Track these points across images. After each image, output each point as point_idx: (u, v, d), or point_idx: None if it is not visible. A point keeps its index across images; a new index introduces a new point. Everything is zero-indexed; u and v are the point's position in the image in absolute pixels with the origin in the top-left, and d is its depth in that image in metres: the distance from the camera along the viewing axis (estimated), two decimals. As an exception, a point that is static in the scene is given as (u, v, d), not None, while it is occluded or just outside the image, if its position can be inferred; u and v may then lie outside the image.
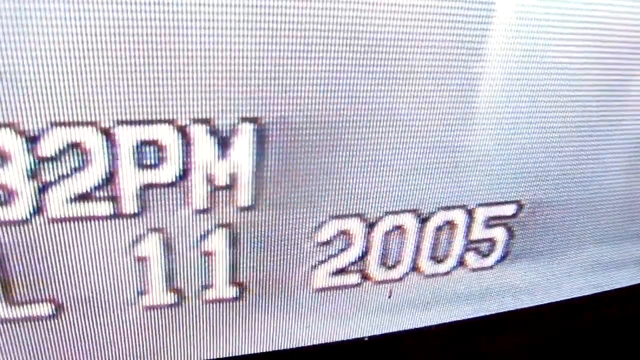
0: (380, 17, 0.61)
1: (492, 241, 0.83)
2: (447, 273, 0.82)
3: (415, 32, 0.64)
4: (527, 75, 0.71)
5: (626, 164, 0.84)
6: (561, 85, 0.73)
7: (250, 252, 0.69)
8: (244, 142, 0.62)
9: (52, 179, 0.59)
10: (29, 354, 0.67)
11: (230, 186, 0.64)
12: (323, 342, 0.78)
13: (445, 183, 0.75)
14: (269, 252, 0.70)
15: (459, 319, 0.88)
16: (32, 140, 0.57)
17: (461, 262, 0.82)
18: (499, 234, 0.83)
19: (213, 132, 0.61)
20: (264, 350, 0.76)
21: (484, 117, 0.72)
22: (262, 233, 0.68)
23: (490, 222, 0.80)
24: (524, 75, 0.71)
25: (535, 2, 0.66)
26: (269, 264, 0.71)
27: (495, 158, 0.76)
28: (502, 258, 0.85)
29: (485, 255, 0.84)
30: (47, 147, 0.57)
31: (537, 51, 0.70)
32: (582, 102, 0.75)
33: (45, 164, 0.58)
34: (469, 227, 0.80)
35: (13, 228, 0.60)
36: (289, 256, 0.71)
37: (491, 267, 0.85)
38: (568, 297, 0.97)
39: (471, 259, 0.83)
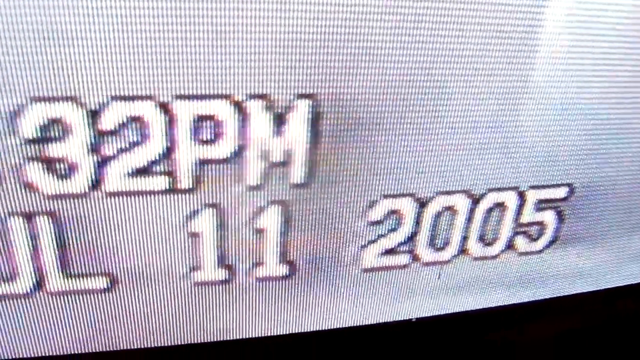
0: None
1: (541, 225, 0.82)
2: (495, 256, 0.81)
3: (471, 9, 0.63)
4: (584, 54, 0.69)
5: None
6: (620, 64, 0.71)
7: (301, 231, 0.69)
8: (299, 119, 0.62)
9: (111, 153, 0.59)
10: (85, 326, 0.68)
11: (284, 163, 0.64)
12: (370, 323, 0.78)
13: (498, 164, 0.74)
14: (319, 231, 0.70)
15: (503, 304, 0.87)
16: (92, 114, 0.57)
17: (510, 246, 0.81)
18: (549, 217, 0.81)
19: (269, 108, 0.60)
20: (311, 330, 0.76)
21: (538, 96, 0.71)
22: (314, 211, 0.68)
23: (540, 205, 0.79)
24: (581, 53, 0.69)
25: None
26: (319, 242, 0.70)
27: (548, 139, 0.74)
28: (551, 242, 0.84)
29: (534, 239, 0.82)
30: (107, 121, 0.58)
31: (594, 29, 0.68)
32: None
33: (105, 138, 0.58)
34: (519, 210, 0.78)
35: (72, 201, 0.61)
36: (339, 235, 0.71)
37: (539, 252, 0.84)
38: (613, 286, 0.95)
39: (520, 242, 0.81)
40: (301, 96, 0.61)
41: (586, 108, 0.74)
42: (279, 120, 0.61)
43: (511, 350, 0.92)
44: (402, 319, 0.79)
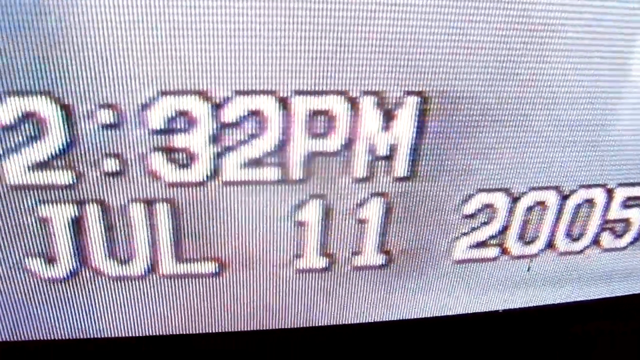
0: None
1: (627, 222, 0.83)
2: (580, 252, 0.83)
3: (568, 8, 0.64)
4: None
5: None
6: None
7: (400, 222, 0.71)
8: (406, 115, 0.64)
9: (230, 144, 0.63)
10: (194, 308, 0.72)
11: (389, 157, 0.66)
12: (458, 313, 0.80)
13: (588, 161, 0.75)
14: (417, 222, 0.72)
15: (585, 299, 0.89)
16: (217, 107, 0.61)
17: (595, 242, 0.82)
18: (636, 215, 0.82)
19: (380, 104, 0.63)
20: (404, 318, 0.79)
21: (632, 93, 0.72)
22: (413, 203, 0.71)
23: (628, 203, 0.80)
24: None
25: None
26: (415, 234, 0.73)
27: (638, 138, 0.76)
28: (635, 240, 0.85)
29: (619, 236, 0.84)
30: (230, 114, 0.61)
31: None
32: None
33: (226, 130, 0.62)
34: (606, 207, 0.80)
35: (189, 189, 0.65)
36: (435, 227, 0.73)
37: (623, 249, 0.85)
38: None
39: (605, 239, 0.83)
40: (410, 93, 0.63)
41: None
42: (388, 116, 0.64)
43: (594, 343, 0.93)
44: (489, 309, 0.82)
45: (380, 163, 0.67)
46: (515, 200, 0.74)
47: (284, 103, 0.61)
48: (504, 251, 0.78)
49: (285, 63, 0.59)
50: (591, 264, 0.84)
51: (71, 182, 0.63)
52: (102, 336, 0.73)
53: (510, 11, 0.62)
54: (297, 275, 0.73)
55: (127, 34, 0.56)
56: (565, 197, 0.77)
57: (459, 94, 0.65)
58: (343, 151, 0.65)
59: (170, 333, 0.73)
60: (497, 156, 0.70)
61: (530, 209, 0.76)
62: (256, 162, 0.64)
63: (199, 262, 0.70)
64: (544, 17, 0.63)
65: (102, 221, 0.66)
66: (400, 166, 0.67)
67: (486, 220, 0.75)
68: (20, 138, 0.59)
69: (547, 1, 0.62)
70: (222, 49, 0.58)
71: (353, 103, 0.62)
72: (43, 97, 0.58)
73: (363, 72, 0.61)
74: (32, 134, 0.59)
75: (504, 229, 0.76)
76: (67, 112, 0.59)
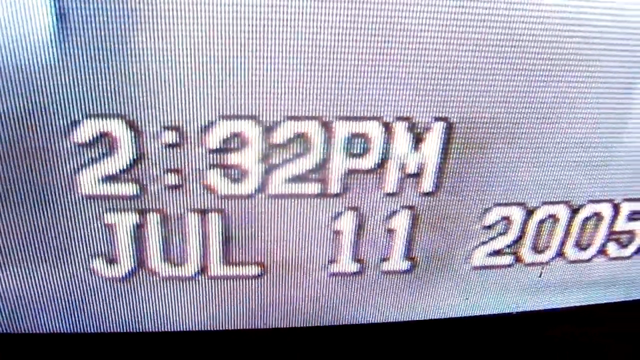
0: (548, 22, 0.70)
1: (632, 233, 0.91)
2: (588, 260, 0.91)
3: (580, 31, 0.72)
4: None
5: None
6: None
7: (425, 232, 0.80)
8: (434, 138, 0.73)
9: (278, 162, 0.71)
10: (238, 305, 0.81)
11: (417, 174, 0.75)
12: (477, 315, 0.89)
13: (596, 178, 0.83)
14: (440, 232, 0.80)
15: (591, 303, 0.96)
16: (267, 130, 0.69)
17: (602, 251, 0.90)
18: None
19: (410, 128, 0.71)
20: (427, 318, 0.87)
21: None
22: (438, 216, 0.79)
23: (633, 216, 0.88)
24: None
25: None
26: (438, 242, 0.81)
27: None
28: (639, 250, 0.93)
29: (624, 246, 0.91)
30: (279, 136, 0.69)
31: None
32: None
33: (274, 150, 0.70)
34: (613, 220, 0.87)
35: (239, 201, 0.73)
36: (457, 237, 0.81)
37: (628, 258, 0.93)
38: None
39: (611, 248, 0.91)
40: (438, 119, 0.72)
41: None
42: (418, 139, 0.72)
43: (597, 346, 1.01)
44: (503, 312, 0.90)
45: (409, 180, 0.75)
46: (529, 213, 0.82)
47: (326, 127, 0.69)
48: (518, 259, 0.86)
49: (329, 92, 0.68)
50: (597, 272, 0.92)
51: (135, 193, 0.71)
52: (154, 330, 0.82)
53: (523, 43, 0.70)
54: (331, 278, 0.81)
55: (190, 67, 0.64)
56: (575, 211, 0.85)
57: (479, 119, 0.73)
58: (377, 169, 0.73)
59: (216, 329, 0.82)
60: (513, 174, 0.78)
61: (542, 221, 0.84)
62: (299, 178, 0.72)
63: (244, 266, 0.78)
64: (554, 48, 0.71)
65: (160, 228, 0.74)
66: (427, 182, 0.76)
67: (503, 230, 0.83)
68: (94, 155, 0.68)
69: (556, 34, 0.70)
70: (275, 79, 0.66)
71: (387, 127, 0.71)
72: (117, 119, 0.67)
73: (396, 101, 0.69)
74: (105, 151, 0.68)
75: (519, 239, 0.84)
76: (137, 133, 0.67)
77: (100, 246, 0.74)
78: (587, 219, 0.86)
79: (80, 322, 0.80)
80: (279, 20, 0.63)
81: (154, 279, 0.78)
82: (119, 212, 0.72)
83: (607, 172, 0.83)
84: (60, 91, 0.64)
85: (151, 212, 0.73)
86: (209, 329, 0.82)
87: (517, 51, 0.70)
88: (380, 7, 0.64)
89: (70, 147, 0.67)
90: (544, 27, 0.68)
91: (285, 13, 0.63)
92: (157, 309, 0.80)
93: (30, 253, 0.73)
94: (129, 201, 0.72)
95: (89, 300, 0.78)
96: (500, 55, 0.70)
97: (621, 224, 0.88)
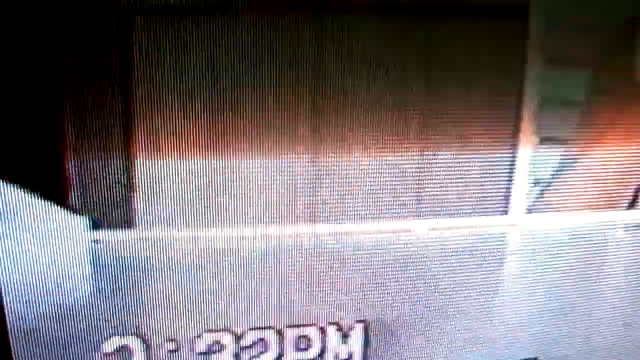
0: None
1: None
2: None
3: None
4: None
5: None
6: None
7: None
8: (357, 334, 1.05)
9: (248, 357, 1.02)
10: None
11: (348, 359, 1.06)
12: None
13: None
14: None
15: None
16: (237, 338, 1.01)
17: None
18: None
19: (339, 329, 1.04)
20: None
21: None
22: (366, 388, 1.09)
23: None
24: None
25: None
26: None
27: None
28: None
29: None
30: (245, 341, 1.01)
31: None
32: None
33: (244, 350, 1.01)
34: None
35: (219, 387, 1.03)
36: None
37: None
38: None
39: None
40: (358, 321, 1.04)
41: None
42: (345, 336, 1.04)
43: None
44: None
45: (342, 364, 1.06)
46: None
47: (279, 333, 1.02)
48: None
49: (280, 309, 1.00)
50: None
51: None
52: None
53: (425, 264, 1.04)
54: None
55: (182, 296, 0.96)
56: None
57: (391, 319, 1.05)
58: (317, 358, 1.04)
59: None
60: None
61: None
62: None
63: None
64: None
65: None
66: (357, 366, 1.06)
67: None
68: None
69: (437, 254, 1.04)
70: (240, 299, 0.99)
71: (322, 331, 1.03)
72: (132, 336, 0.98)
73: (332, 311, 1.02)
74: (124, 358, 0.99)
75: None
76: (147, 345, 0.99)
77: None
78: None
79: None
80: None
81: None
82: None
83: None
84: (94, 317, 0.96)
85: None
86: None
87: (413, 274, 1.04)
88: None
89: (101, 357, 0.97)
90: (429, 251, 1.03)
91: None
92: None
93: None
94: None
95: None
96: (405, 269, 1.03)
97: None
